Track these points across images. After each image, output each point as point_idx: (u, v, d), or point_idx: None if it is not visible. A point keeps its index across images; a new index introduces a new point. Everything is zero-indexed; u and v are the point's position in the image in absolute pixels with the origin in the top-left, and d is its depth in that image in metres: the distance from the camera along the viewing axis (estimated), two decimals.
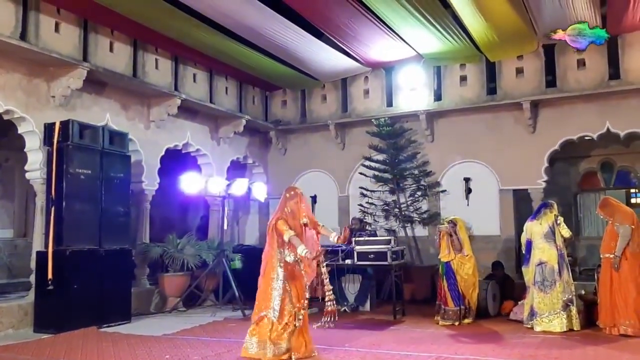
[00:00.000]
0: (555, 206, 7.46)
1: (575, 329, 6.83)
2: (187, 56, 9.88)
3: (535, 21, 8.73)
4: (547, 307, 6.96)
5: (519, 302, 7.75)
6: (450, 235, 7.79)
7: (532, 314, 7.08)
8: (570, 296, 6.95)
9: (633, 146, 10.74)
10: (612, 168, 11.46)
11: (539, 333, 6.81)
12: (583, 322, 7.00)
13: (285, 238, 5.35)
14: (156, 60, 9.34)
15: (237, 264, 9.45)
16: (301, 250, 5.24)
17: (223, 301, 9.01)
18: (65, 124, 7.40)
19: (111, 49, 8.56)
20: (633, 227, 6.70)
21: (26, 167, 7.81)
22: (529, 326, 7.07)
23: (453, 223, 7.92)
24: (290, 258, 5.42)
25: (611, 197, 7.42)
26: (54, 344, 6.29)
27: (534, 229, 7.33)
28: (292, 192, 5.66)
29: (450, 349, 5.86)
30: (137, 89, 9.05)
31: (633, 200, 11.79)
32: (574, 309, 6.93)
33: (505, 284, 8.75)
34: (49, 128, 7.49)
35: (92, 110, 8.43)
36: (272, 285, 5.38)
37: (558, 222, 7.21)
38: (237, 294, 8.56)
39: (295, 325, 5.32)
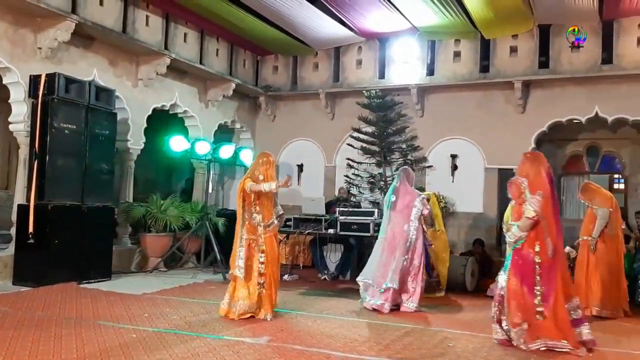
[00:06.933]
0: None
1: None
2: (179, 14, 9.68)
3: (533, 0, 8.66)
4: None
5: (496, 279, 7.86)
6: None
7: None
8: None
9: (620, 132, 10.80)
10: (598, 152, 11.52)
11: None
12: None
13: (263, 188, 5.58)
14: (147, 17, 9.13)
15: (220, 228, 9.46)
16: (267, 186, 5.58)
17: (204, 264, 9.06)
18: (51, 77, 7.28)
19: (101, 3, 8.32)
20: (611, 210, 6.84)
21: (10, 119, 7.68)
22: None
23: (426, 199, 7.97)
24: (257, 219, 5.70)
25: (592, 182, 7.50)
26: (33, 297, 6.29)
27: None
28: (265, 158, 5.90)
29: (423, 322, 5.96)
30: (126, 45, 8.88)
31: (616, 186, 11.89)
32: None
33: (484, 262, 8.87)
34: (34, 80, 7.37)
35: (79, 64, 8.27)
36: (238, 247, 5.69)
37: None
38: (218, 257, 8.60)
39: (259, 282, 5.59)
